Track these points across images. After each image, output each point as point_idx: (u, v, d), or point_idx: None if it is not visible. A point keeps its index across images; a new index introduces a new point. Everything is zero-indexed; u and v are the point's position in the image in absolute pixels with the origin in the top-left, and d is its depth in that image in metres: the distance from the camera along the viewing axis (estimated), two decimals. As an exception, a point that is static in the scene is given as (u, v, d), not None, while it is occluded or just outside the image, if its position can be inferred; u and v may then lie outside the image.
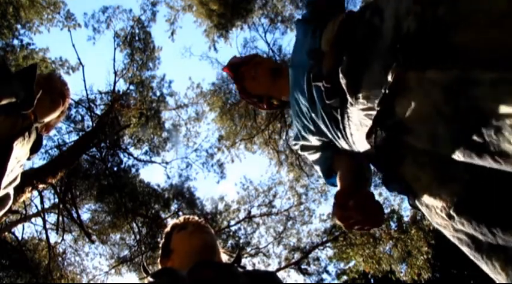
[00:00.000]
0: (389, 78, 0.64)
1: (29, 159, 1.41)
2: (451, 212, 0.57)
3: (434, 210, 0.62)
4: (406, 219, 9.91)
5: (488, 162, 0.50)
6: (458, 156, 0.53)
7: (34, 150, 1.38)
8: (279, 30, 9.96)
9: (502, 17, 0.51)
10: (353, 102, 0.78)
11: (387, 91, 0.65)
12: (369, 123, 0.72)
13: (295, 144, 1.25)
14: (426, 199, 0.63)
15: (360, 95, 0.75)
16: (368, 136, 0.71)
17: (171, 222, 1.35)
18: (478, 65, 0.51)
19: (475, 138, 0.51)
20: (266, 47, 9.87)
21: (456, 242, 0.60)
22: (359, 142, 0.85)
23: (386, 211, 10.03)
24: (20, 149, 1.26)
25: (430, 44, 0.59)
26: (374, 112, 0.70)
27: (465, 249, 0.59)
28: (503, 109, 0.47)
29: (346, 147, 0.96)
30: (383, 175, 0.74)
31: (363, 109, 0.76)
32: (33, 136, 1.33)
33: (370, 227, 0.84)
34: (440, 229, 0.64)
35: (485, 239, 0.53)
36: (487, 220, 0.52)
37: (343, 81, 0.79)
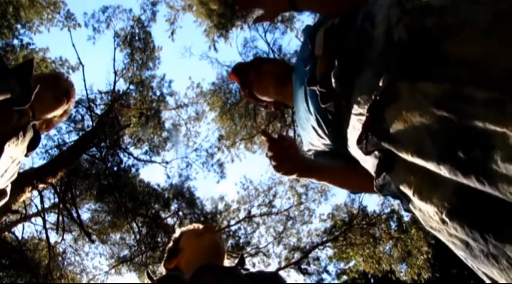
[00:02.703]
0: (381, 85, 0.64)
1: (26, 155, 1.39)
2: (444, 217, 0.57)
3: (427, 214, 0.62)
4: (406, 219, 9.91)
5: (472, 182, 0.49)
6: (444, 172, 0.53)
7: (31, 147, 1.36)
8: (279, 30, 9.97)
9: (487, 30, 0.51)
10: (345, 107, 0.79)
11: (378, 98, 0.65)
12: (360, 127, 0.73)
13: (308, 151, 1.26)
14: (418, 203, 0.63)
15: (352, 100, 0.76)
16: (359, 141, 0.72)
17: (180, 229, 1.36)
18: (470, 81, 0.51)
19: (461, 155, 0.50)
20: (266, 47, 9.88)
21: (452, 246, 0.60)
22: (353, 146, 0.85)
23: (387, 211, 10.05)
24: (14, 149, 1.24)
25: (422, 55, 0.59)
26: (364, 118, 0.71)
27: (461, 254, 0.59)
28: (496, 129, 0.46)
29: (344, 151, 0.96)
30: (375, 179, 0.74)
31: (355, 114, 0.76)
32: (30, 134, 1.31)
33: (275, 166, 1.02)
34: (435, 234, 0.64)
35: (477, 246, 0.53)
36: (479, 226, 0.51)
37: (335, 86, 0.80)
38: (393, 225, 9.98)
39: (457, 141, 0.51)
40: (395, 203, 9.85)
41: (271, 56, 9.55)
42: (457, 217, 0.55)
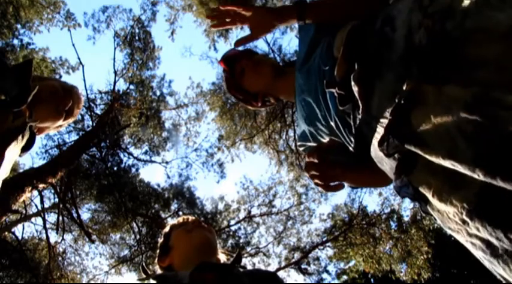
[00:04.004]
0: (405, 89, 0.64)
1: (20, 155, 1.36)
2: (464, 217, 0.57)
3: (446, 215, 0.62)
4: (406, 219, 9.92)
5: (510, 186, 0.50)
6: (478, 175, 0.53)
7: (26, 147, 1.34)
8: (279, 30, 9.96)
9: (507, 32, 0.51)
10: (364, 109, 0.80)
11: (403, 102, 0.65)
12: (380, 130, 0.73)
13: (301, 145, 1.25)
14: (437, 204, 0.63)
15: (371, 103, 0.76)
16: (380, 144, 0.72)
17: (170, 222, 1.35)
18: (497, 85, 0.51)
19: (498, 160, 0.51)
20: (266, 47, 9.88)
21: (470, 247, 0.60)
22: (371, 148, 0.86)
23: (387, 211, 10.05)
24: (12, 151, 1.23)
25: (443, 58, 0.59)
26: (385, 121, 0.71)
27: (480, 254, 0.59)
28: None
29: (358, 152, 0.97)
30: (394, 181, 0.74)
31: (375, 117, 0.77)
32: (26, 136, 1.30)
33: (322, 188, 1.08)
34: (453, 234, 0.64)
35: (500, 245, 0.53)
36: (503, 225, 0.52)
37: (355, 89, 0.80)
38: (393, 225, 9.99)
39: (493, 144, 0.52)
40: (396, 203, 9.86)
41: (271, 56, 9.55)
42: (478, 216, 0.55)
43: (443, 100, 0.58)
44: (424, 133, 0.62)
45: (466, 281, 10.41)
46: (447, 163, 0.58)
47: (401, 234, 9.39)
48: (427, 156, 0.62)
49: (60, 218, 8.20)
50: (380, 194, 10.06)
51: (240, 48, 1.30)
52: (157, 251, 1.26)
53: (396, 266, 9.46)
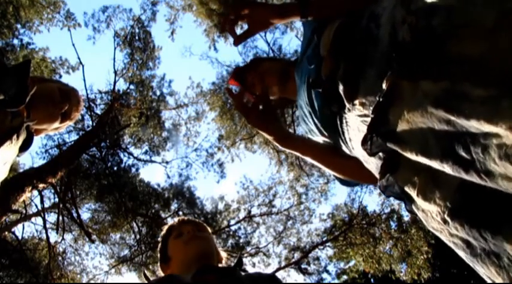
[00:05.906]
0: (384, 86, 0.64)
1: (18, 155, 1.36)
2: (446, 217, 0.57)
3: (430, 214, 0.62)
4: (406, 219, 9.92)
5: (474, 179, 0.50)
6: (447, 169, 0.54)
7: (24, 147, 1.34)
8: (279, 29, 9.96)
9: (492, 29, 0.50)
10: (350, 108, 0.79)
11: (381, 99, 0.65)
12: (365, 129, 0.73)
13: None
14: (421, 203, 0.63)
15: (357, 101, 0.76)
16: (363, 143, 0.72)
17: (166, 225, 1.35)
18: (468, 78, 0.51)
19: (462, 154, 0.51)
20: (266, 47, 9.87)
21: (453, 247, 0.61)
22: (357, 148, 0.85)
23: (387, 210, 10.05)
24: (7, 151, 1.23)
25: (425, 54, 0.59)
26: (369, 119, 0.71)
27: (461, 253, 0.59)
28: (491, 128, 0.46)
29: (347, 151, 0.97)
30: (379, 180, 0.74)
31: (360, 116, 0.76)
32: (23, 135, 1.29)
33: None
34: (436, 234, 0.64)
35: (478, 244, 0.53)
36: (478, 224, 0.52)
37: (340, 87, 0.79)
38: (393, 225, 9.99)
39: (459, 139, 0.51)
40: (396, 203, 9.86)
41: (271, 55, 9.54)
42: (458, 216, 0.55)
43: (418, 96, 0.57)
44: (401, 130, 0.62)
45: (466, 281, 10.42)
46: (421, 160, 0.58)
47: (401, 234, 9.39)
48: (404, 153, 0.61)
49: (60, 218, 8.20)
50: (380, 194, 10.06)
51: (241, 46, 1.29)
52: (159, 255, 1.28)
53: (396, 266, 9.47)
